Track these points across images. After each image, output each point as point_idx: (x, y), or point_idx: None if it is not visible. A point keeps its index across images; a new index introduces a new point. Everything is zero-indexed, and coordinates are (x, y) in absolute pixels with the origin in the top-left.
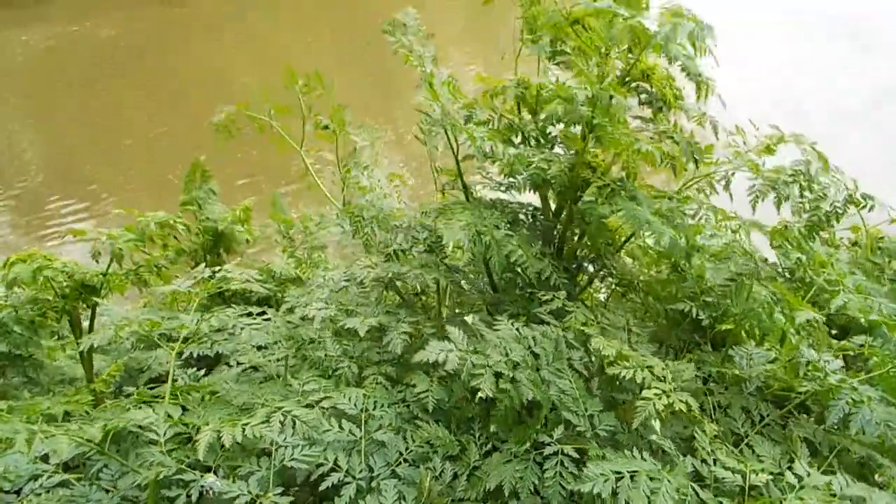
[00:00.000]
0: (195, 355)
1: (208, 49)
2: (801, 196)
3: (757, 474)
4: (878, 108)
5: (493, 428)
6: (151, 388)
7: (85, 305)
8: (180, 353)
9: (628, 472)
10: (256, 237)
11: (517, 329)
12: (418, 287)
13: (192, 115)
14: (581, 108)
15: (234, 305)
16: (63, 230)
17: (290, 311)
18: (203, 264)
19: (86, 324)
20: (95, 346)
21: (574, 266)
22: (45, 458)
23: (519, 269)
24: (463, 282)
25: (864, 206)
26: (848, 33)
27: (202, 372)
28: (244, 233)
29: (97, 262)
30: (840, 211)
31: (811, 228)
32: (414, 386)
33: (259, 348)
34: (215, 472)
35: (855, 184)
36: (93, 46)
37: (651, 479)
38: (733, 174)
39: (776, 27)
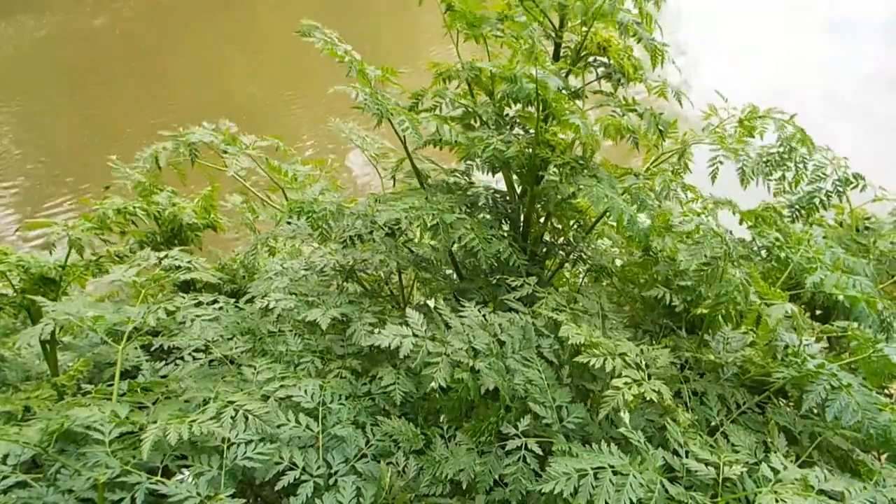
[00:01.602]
0: (165, 348)
1: (207, 35)
2: (797, 174)
3: (731, 466)
4: (865, 96)
5: (442, 419)
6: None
7: (45, 299)
8: (148, 346)
9: (592, 469)
10: (224, 226)
11: (484, 315)
12: (382, 275)
13: (193, 103)
14: (527, 85)
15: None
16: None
17: (251, 301)
18: (148, 250)
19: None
20: (34, 342)
21: (544, 250)
22: (4, 459)
23: (480, 254)
24: (426, 268)
25: (855, 186)
26: (836, 21)
27: (171, 365)
28: (208, 221)
29: (51, 253)
30: (841, 190)
31: (810, 210)
32: (380, 378)
33: (213, 342)
34: (165, 473)
35: (845, 162)
36: (87, 35)
37: (616, 474)
38: (691, 147)
39: (768, 15)
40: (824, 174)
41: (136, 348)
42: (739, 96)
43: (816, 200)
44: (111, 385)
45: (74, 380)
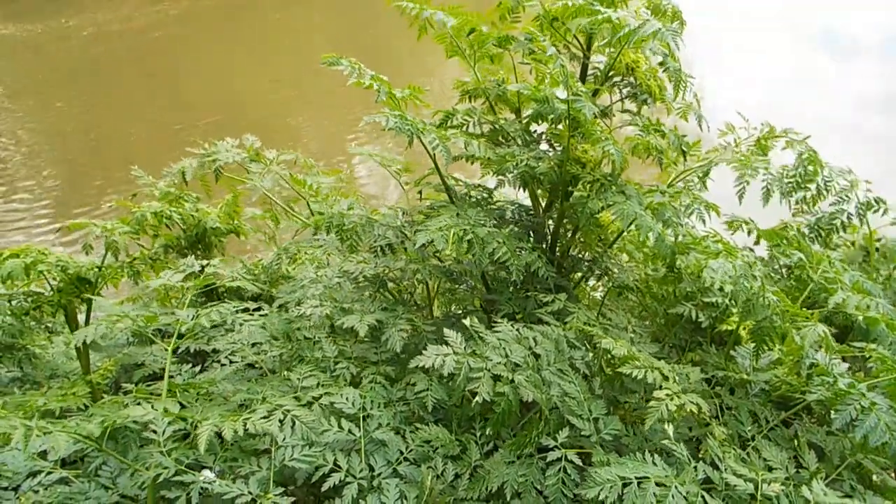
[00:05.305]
0: (191, 351)
1: (245, 39)
2: (817, 194)
3: (769, 484)
4: (862, 117)
5: (489, 431)
6: (148, 385)
7: (80, 300)
8: (176, 349)
9: (636, 478)
10: (245, 231)
11: (517, 329)
12: (415, 283)
13: (228, 104)
14: (558, 106)
15: (226, 301)
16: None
17: (282, 307)
18: (191, 258)
19: (81, 317)
20: (89, 340)
21: (570, 264)
22: (42, 455)
23: (511, 267)
24: (455, 279)
25: (877, 210)
26: (832, 42)
27: (197, 368)
28: (231, 227)
29: (87, 254)
30: (862, 214)
31: (829, 231)
32: (414, 385)
33: (254, 345)
34: (213, 471)
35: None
36: (126, 38)
37: (659, 485)
38: (714, 165)
39: (765, 35)
40: (848, 196)
41: (162, 349)
42: (728, 114)
43: (837, 222)
44: (149, 385)
45: (106, 379)
